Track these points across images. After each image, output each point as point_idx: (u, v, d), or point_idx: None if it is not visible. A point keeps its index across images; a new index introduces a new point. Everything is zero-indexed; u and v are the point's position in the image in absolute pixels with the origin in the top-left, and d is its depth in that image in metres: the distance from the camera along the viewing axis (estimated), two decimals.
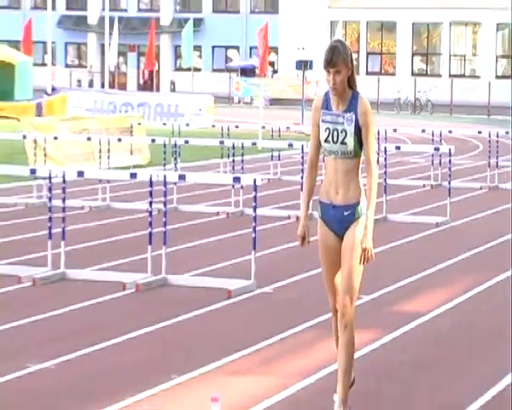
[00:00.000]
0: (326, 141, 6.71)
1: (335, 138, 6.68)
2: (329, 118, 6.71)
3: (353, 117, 6.67)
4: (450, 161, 18.15)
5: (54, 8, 60.15)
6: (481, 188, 21.32)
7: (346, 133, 6.66)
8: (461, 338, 9.35)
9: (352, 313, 6.69)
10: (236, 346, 8.66)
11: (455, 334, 9.49)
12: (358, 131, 6.66)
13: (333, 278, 6.80)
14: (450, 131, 26.70)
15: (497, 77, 59.74)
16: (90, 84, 63.01)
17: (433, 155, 21.91)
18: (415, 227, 15.74)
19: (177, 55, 64.19)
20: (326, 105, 6.74)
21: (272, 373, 7.98)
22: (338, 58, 6.62)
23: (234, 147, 19.59)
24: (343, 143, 6.66)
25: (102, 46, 62.12)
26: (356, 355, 6.97)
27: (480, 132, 26.73)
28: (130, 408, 7.04)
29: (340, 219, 6.70)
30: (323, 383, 7.64)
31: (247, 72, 59.08)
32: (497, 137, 24.16)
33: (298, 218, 15.88)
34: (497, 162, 22.70)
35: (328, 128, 6.71)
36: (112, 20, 54.78)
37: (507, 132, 25.84)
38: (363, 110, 6.68)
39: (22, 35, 53.35)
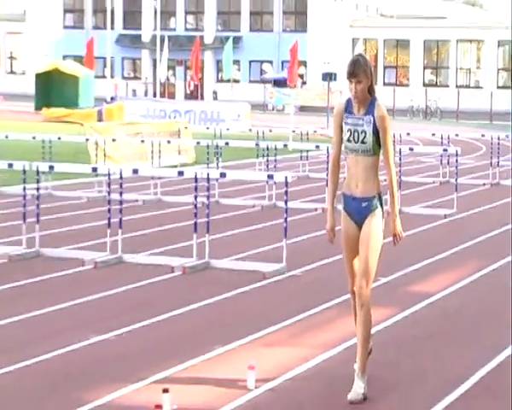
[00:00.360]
0: (348, 140, 6.73)
1: (356, 138, 6.70)
2: (351, 121, 6.73)
3: (371, 119, 6.68)
4: (456, 160, 18.11)
5: (112, 27, 60.41)
6: (484, 184, 21.24)
7: (365, 134, 6.68)
8: (466, 316, 9.31)
9: (368, 294, 6.68)
10: (270, 321, 8.66)
11: (460, 312, 9.45)
12: (376, 132, 6.67)
13: (351, 262, 6.81)
14: (456, 135, 26.61)
15: (498, 87, 59.56)
16: (144, 94, 63.18)
17: (441, 156, 21.89)
18: (426, 218, 15.71)
19: (219, 69, 64.26)
20: (348, 109, 6.77)
21: (300, 345, 7.98)
22: (359, 70, 6.66)
23: (268, 148, 19.60)
24: (363, 142, 6.68)
25: (154, 61, 62.33)
26: (373, 330, 6.97)
27: (483, 136, 26.63)
28: (179, 374, 7.06)
29: (359, 210, 6.71)
30: (345, 354, 7.63)
31: (279, 83, 58.95)
32: (498, 139, 24.04)
33: (324, 210, 15.91)
34: (498, 162, 22.62)
35: (350, 129, 6.73)
36: (162, 38, 54.95)
37: (507, 136, 25.74)
38: (380, 114, 6.70)
39: (85, 51, 53.57)
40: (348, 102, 6.79)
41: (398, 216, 6.74)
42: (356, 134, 6.70)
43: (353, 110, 6.74)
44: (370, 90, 6.72)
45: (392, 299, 9.61)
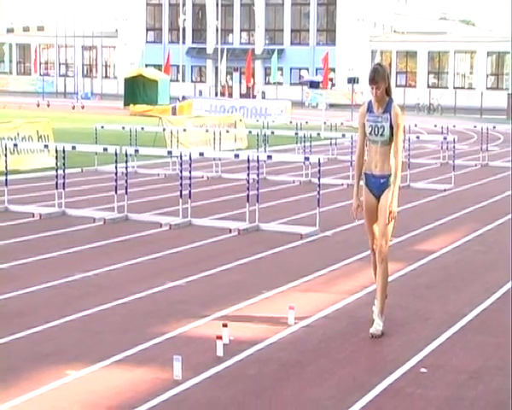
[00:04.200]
0: (370, 134, 6.60)
1: (376, 132, 6.56)
2: (372, 118, 6.59)
3: (388, 117, 6.54)
4: (454, 146, 17.87)
5: (184, 42, 60.43)
6: (476, 165, 20.96)
7: (384, 128, 6.54)
8: (463, 267, 9.16)
9: (386, 251, 6.61)
10: (305, 272, 8.60)
11: (458, 264, 9.30)
12: (392, 127, 6.52)
13: (372, 227, 6.71)
14: (454, 126, 26.24)
15: (487, 88, 58.80)
16: (209, 94, 63.21)
17: (442, 142, 21.64)
18: (429, 192, 15.53)
19: (267, 74, 63.99)
20: (369, 109, 6.62)
21: (330, 291, 7.91)
22: (378, 77, 6.49)
23: (304, 136, 19.47)
24: (382, 135, 6.55)
25: (216, 68, 62.28)
26: (389, 279, 6.87)
27: (475, 127, 26.22)
28: (234, 312, 7.03)
29: (378, 185, 6.59)
30: (366, 298, 7.54)
31: (314, 85, 58.60)
32: (487, 130, 23.76)
33: (349, 185, 15.79)
34: (487, 147, 22.34)
35: (371, 125, 6.59)
36: (222, 50, 54.83)
37: (494, 127, 25.41)
38: (395, 112, 6.55)
39: (163, 61, 53.68)
40: (369, 103, 6.64)
41: (396, 196, 6.54)
42: (376, 129, 6.56)
43: (374, 109, 6.59)
44: (388, 92, 6.57)
45: (402, 255, 9.48)
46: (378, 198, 6.61)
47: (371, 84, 6.52)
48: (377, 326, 6.49)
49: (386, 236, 6.58)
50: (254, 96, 54.84)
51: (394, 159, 6.55)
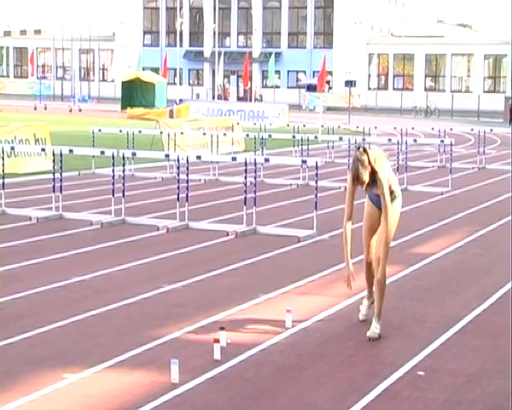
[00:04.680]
0: (368, 195, 6.65)
1: (373, 197, 6.59)
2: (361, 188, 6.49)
3: (377, 187, 6.41)
4: (451, 149, 17.90)
5: (181, 45, 60.48)
6: (473, 168, 20.98)
7: (377, 196, 6.50)
8: (459, 270, 9.17)
9: (384, 258, 6.50)
10: (303, 275, 8.60)
11: (455, 267, 9.31)
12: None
13: (370, 238, 6.72)
14: (451, 129, 26.32)
15: (485, 92, 58.94)
16: (206, 97, 63.23)
17: (439, 145, 21.65)
18: (426, 195, 15.55)
19: (264, 77, 64.08)
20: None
21: (328, 294, 7.91)
22: (361, 174, 6.27)
23: (302, 139, 19.49)
24: (377, 195, 6.50)
25: (213, 71, 62.31)
26: (387, 281, 6.87)
27: (472, 130, 26.29)
28: (232, 315, 7.03)
29: (380, 200, 6.53)
30: (360, 301, 7.53)
31: (311, 88, 58.66)
32: (484, 133, 23.80)
33: (346, 188, 15.78)
34: (484, 150, 22.38)
35: (366, 193, 6.64)
36: (219, 53, 54.86)
37: (491, 130, 25.45)
38: (380, 184, 6.38)
39: (161, 64, 53.69)
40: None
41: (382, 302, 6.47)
42: (371, 195, 6.58)
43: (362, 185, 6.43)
44: (372, 168, 6.31)
45: (399, 258, 9.48)
46: (380, 209, 6.58)
47: (356, 183, 6.31)
48: (374, 330, 6.48)
49: (386, 245, 6.50)
50: (256, 100, 54.76)
51: (383, 220, 6.38)
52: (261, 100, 57.83)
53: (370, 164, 6.30)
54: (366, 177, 6.31)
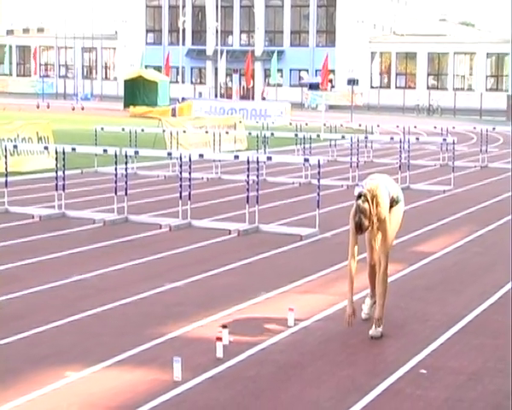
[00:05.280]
0: None
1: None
2: None
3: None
4: (453, 147, 17.87)
5: (183, 43, 60.43)
6: (475, 166, 20.96)
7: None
8: (461, 269, 9.16)
9: (386, 263, 6.50)
10: (305, 274, 8.60)
11: (457, 266, 9.30)
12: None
13: (372, 241, 6.72)
14: (453, 127, 26.28)
15: (487, 90, 58.84)
16: (208, 96, 63.22)
17: (441, 144, 21.63)
18: (429, 193, 15.54)
19: (266, 76, 64.02)
20: None
21: (329, 293, 7.91)
22: (364, 224, 6.24)
23: (304, 138, 19.48)
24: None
25: (216, 69, 62.29)
26: (389, 280, 6.87)
27: (474, 128, 26.25)
28: (234, 314, 7.03)
29: None
30: (364, 300, 7.53)
31: (313, 86, 58.64)
32: (487, 131, 23.77)
33: (349, 187, 15.79)
34: (486, 149, 22.36)
35: None
36: (222, 51, 54.83)
37: (493, 128, 25.43)
38: (381, 226, 6.39)
39: (163, 62, 53.69)
40: None
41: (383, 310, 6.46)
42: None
43: None
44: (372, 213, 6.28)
45: (401, 257, 9.48)
46: None
47: (360, 232, 6.28)
48: (377, 331, 6.47)
49: (386, 248, 6.50)
50: (264, 98, 54.57)
51: (381, 260, 6.39)
52: (264, 98, 57.79)
53: (371, 213, 6.23)
54: (369, 223, 6.27)
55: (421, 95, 57.25)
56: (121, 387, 5.28)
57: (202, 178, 16.72)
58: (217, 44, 58.92)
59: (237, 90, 59.82)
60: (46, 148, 15.16)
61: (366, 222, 6.24)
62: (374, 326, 6.49)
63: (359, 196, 6.25)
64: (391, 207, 6.56)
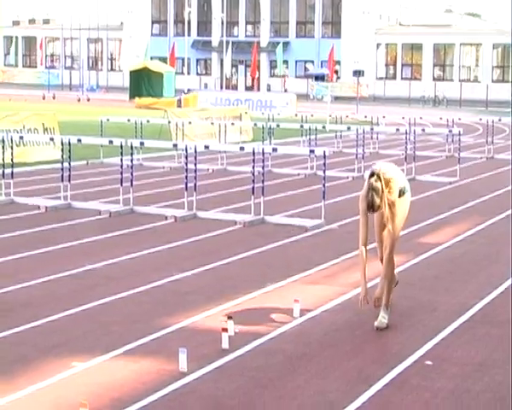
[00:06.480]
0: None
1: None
2: None
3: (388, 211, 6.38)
4: (459, 139, 17.84)
5: (189, 34, 60.36)
6: (481, 158, 20.91)
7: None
8: (468, 259, 9.15)
9: (392, 246, 6.49)
10: (311, 265, 8.59)
11: (464, 257, 9.28)
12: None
13: (381, 235, 6.71)
14: (459, 119, 26.19)
15: (493, 81, 58.70)
16: (214, 87, 63.14)
17: (447, 135, 21.57)
18: (435, 184, 15.51)
19: (272, 67, 63.95)
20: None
21: (335, 284, 7.90)
22: (376, 203, 6.22)
23: (310, 129, 19.45)
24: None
25: (221, 61, 62.21)
26: (397, 270, 6.87)
27: (480, 119, 26.16)
28: (240, 305, 7.03)
29: None
30: (370, 291, 7.48)
31: (319, 78, 58.56)
32: (493, 122, 23.71)
33: (354, 178, 15.77)
34: (492, 140, 22.29)
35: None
36: (227, 42, 54.74)
37: (499, 119, 25.36)
38: (390, 211, 6.36)
39: (168, 53, 53.63)
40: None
41: (384, 290, 6.45)
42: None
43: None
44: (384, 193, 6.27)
45: (409, 247, 9.46)
46: None
47: (370, 209, 6.26)
48: (382, 319, 6.46)
49: (393, 240, 6.49)
50: (286, 90, 54.33)
51: (387, 239, 6.39)
52: (269, 89, 57.69)
53: (383, 191, 6.23)
54: (380, 204, 6.26)
55: (426, 86, 57.13)
56: (128, 377, 5.28)
57: (208, 170, 16.71)
58: (222, 35, 58.84)
59: (230, 80, 59.63)
60: (52, 139, 15.15)
61: (378, 200, 6.22)
62: (379, 317, 6.47)
63: (372, 175, 6.27)
64: (398, 197, 6.55)
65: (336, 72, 58.84)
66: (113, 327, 6.35)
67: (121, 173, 11.84)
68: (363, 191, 6.32)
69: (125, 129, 20.23)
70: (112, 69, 71.55)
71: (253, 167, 11.32)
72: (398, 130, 19.20)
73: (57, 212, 11.60)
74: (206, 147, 12.96)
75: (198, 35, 67.35)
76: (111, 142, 12.74)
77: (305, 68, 64.11)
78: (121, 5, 70.79)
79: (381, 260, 6.76)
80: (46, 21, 78.32)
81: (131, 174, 11.84)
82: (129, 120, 19.01)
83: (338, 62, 58.87)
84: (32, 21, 78.52)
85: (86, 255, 8.81)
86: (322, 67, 60.68)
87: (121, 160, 11.96)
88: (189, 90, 47.86)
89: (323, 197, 10.99)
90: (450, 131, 19.96)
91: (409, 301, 7.27)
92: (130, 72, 50.14)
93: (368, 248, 6.46)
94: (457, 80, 59.25)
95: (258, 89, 58.37)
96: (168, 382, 5.20)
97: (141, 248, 9.20)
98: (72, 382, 5.20)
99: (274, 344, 6.03)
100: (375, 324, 6.44)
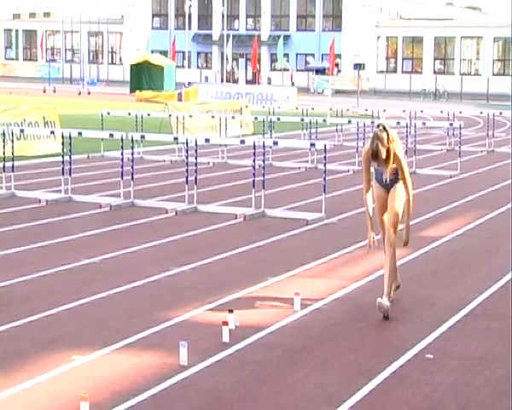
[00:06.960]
0: (375, 177, 6.76)
1: (379, 179, 6.72)
2: (378, 167, 6.62)
3: (386, 165, 6.52)
4: (460, 132, 17.82)
5: (190, 28, 60.25)
6: (482, 151, 20.89)
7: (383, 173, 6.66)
8: (468, 254, 9.14)
9: (394, 237, 6.67)
10: (311, 258, 8.58)
11: (464, 251, 9.27)
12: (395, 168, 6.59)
13: (382, 217, 6.82)
14: (460, 112, 26.16)
15: (494, 74, 58.64)
16: (214, 80, 63.05)
17: (448, 128, 21.55)
18: (435, 178, 15.49)
19: (272, 60, 63.87)
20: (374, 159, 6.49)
21: (335, 277, 7.89)
22: (380, 151, 6.39)
23: (310, 122, 19.42)
24: (382, 175, 6.68)
25: (222, 54, 62.12)
26: (397, 264, 6.87)
27: (481, 113, 26.11)
28: (240, 298, 7.02)
29: (387, 180, 6.67)
30: (369, 284, 7.53)
31: (320, 71, 58.51)
32: (493, 116, 23.68)
33: (355, 171, 15.75)
34: (493, 133, 22.27)
35: (378, 171, 6.71)
36: (228, 36, 54.65)
37: (500, 113, 25.33)
38: (397, 159, 6.51)
39: (169, 47, 53.56)
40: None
41: (409, 230, 6.70)
42: (377, 178, 6.70)
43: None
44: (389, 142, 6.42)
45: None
46: (387, 191, 6.72)
47: (374, 159, 6.43)
48: (385, 302, 6.48)
49: (394, 223, 6.67)
50: (293, 84, 54.27)
51: (405, 192, 6.56)
52: (270, 83, 57.60)
53: (389, 142, 6.42)
54: (384, 154, 6.43)
55: (427, 79, 57.07)
56: (128, 371, 5.28)
57: (208, 163, 16.69)
58: (223, 29, 58.72)
59: (229, 74, 59.55)
60: (52, 132, 15.14)
61: (382, 149, 6.38)
62: (383, 300, 6.48)
63: (378, 126, 6.49)
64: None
65: (337, 65, 58.75)
66: (112, 321, 6.34)
67: (122, 167, 11.83)
68: (366, 147, 6.56)
69: (125, 122, 20.20)
70: (112, 63, 71.47)
71: (254, 161, 11.31)
72: (398, 123, 19.17)
73: (58, 205, 11.59)
74: (207, 140, 12.94)
75: (199, 28, 67.25)
76: (111, 135, 12.73)
77: (306, 62, 64.03)
78: None
79: (383, 238, 6.80)
80: (47, 15, 78.23)
81: (132, 168, 11.83)
82: (129, 114, 18.99)
83: (339, 56, 58.79)
84: (32, 15, 78.41)
85: (86, 249, 8.80)
86: (322, 60, 60.61)
87: (122, 153, 11.94)
88: (189, 83, 47.82)
89: (324, 191, 10.98)
90: (451, 124, 19.94)
91: (408, 296, 7.27)
92: (131, 65, 50.09)
93: (369, 248, 6.62)
94: (458, 74, 59.18)
95: (259, 82, 58.25)
96: (169, 375, 5.19)
97: (141, 242, 9.19)
98: (73, 375, 5.20)
99: (274, 338, 6.03)
100: (378, 300, 6.44)
